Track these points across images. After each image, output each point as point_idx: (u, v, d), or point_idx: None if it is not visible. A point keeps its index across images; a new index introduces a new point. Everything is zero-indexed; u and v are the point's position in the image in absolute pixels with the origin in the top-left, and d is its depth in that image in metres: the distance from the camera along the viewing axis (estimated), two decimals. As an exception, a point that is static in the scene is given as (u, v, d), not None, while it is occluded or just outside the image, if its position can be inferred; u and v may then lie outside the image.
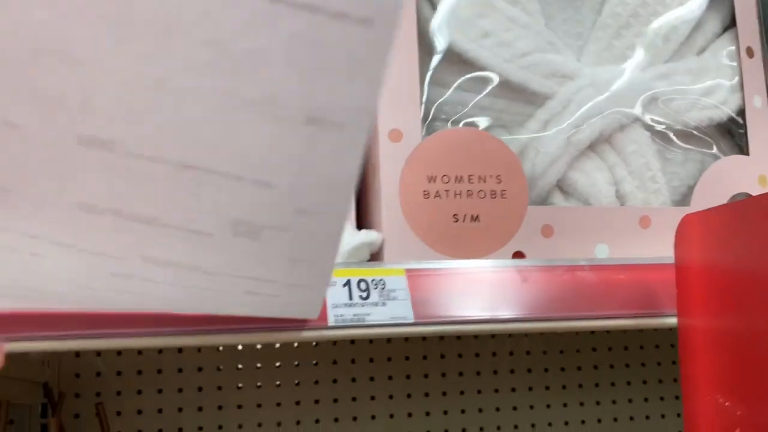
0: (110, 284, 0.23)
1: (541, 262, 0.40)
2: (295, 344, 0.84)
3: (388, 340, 0.87)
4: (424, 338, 0.88)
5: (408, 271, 0.38)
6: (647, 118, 0.45)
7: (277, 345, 0.85)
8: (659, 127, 0.46)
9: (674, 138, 0.46)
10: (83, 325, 0.35)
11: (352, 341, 0.86)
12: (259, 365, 0.84)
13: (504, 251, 0.41)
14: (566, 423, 0.90)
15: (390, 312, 0.37)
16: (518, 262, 0.40)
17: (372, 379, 0.86)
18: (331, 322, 0.36)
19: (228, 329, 0.35)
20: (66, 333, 0.34)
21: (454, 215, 0.40)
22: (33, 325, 0.34)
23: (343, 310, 0.36)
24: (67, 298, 0.26)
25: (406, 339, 0.87)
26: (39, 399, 0.78)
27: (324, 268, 0.23)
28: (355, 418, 0.85)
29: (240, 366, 0.83)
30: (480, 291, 0.38)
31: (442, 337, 0.89)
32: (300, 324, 0.36)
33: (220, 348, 0.83)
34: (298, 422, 0.83)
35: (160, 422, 0.80)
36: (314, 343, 0.85)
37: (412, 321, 0.37)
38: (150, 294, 0.24)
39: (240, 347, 0.84)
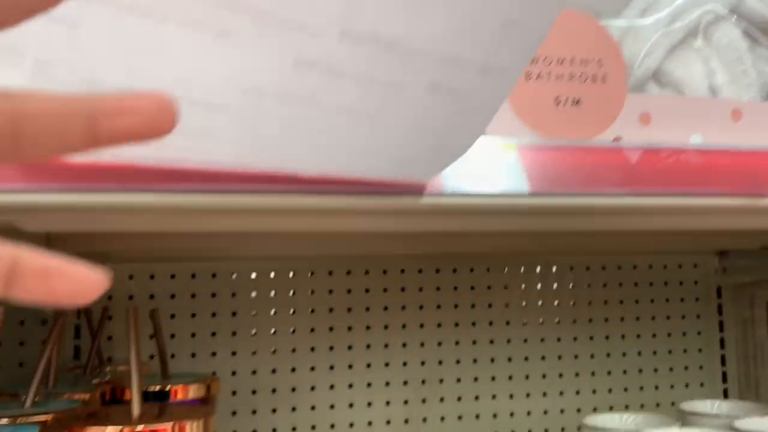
0: (284, 84, 0.22)
1: (647, 145, 0.39)
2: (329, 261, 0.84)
3: (419, 270, 0.87)
4: (454, 269, 0.88)
5: (518, 146, 0.37)
6: (740, 12, 0.44)
7: (309, 273, 0.84)
8: (751, 23, 0.45)
9: (764, 35, 0.46)
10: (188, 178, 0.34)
11: (384, 270, 0.86)
12: (312, 291, 0.83)
13: (604, 137, 0.40)
14: (592, 356, 0.91)
15: (504, 184, 0.36)
16: (624, 144, 0.40)
17: (403, 308, 0.86)
18: (447, 190, 0.35)
19: (347, 191, 0.34)
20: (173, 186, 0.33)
21: (556, 98, 0.40)
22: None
23: (459, 180, 0.36)
24: (222, 124, 0.25)
25: (437, 270, 0.87)
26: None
27: (535, 39, 0.21)
28: (386, 345, 0.85)
29: (293, 293, 0.82)
30: (590, 168, 0.38)
31: (471, 269, 0.89)
32: (418, 189, 0.35)
33: (272, 274, 0.82)
34: (331, 348, 0.83)
35: (214, 345, 0.79)
36: (347, 271, 0.85)
37: (526, 192, 0.36)
38: (315, 109, 0.23)
39: (291, 274, 0.82)
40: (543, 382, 0.89)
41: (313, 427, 0.82)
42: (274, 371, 0.81)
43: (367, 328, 0.85)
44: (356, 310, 0.85)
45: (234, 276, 0.82)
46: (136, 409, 0.39)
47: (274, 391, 0.81)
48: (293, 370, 0.82)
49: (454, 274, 0.88)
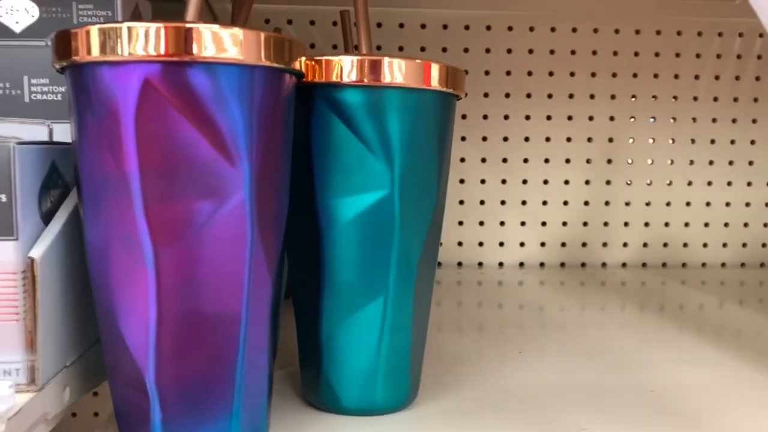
0: None
1: None
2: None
3: (637, 31, 0.73)
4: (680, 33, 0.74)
5: None
6: None
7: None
8: None
9: None
10: None
11: (617, 30, 0.73)
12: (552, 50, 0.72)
13: None
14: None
15: None
16: None
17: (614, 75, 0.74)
18: None
19: None
20: None
21: None
22: None
23: None
24: None
25: (658, 31, 0.74)
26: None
27: None
28: (570, 117, 0.74)
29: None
30: None
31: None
32: None
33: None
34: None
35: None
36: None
37: None
38: None
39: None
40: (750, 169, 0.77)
41: (524, 182, 0.75)
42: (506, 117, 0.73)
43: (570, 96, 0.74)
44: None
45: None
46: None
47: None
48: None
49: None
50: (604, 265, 0.76)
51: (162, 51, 0.23)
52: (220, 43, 0.23)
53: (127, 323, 0.24)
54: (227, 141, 0.24)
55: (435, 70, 0.30)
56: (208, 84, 0.23)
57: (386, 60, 0.29)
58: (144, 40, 0.23)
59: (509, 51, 0.73)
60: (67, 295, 0.27)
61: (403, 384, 0.31)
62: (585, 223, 0.76)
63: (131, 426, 0.26)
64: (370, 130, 0.29)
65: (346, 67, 0.29)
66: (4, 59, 0.30)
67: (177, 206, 0.23)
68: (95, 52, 0.23)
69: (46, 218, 0.26)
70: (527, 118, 0.74)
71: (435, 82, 0.30)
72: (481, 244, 0.76)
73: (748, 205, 0.77)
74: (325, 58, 0.29)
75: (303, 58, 0.27)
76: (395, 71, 0.29)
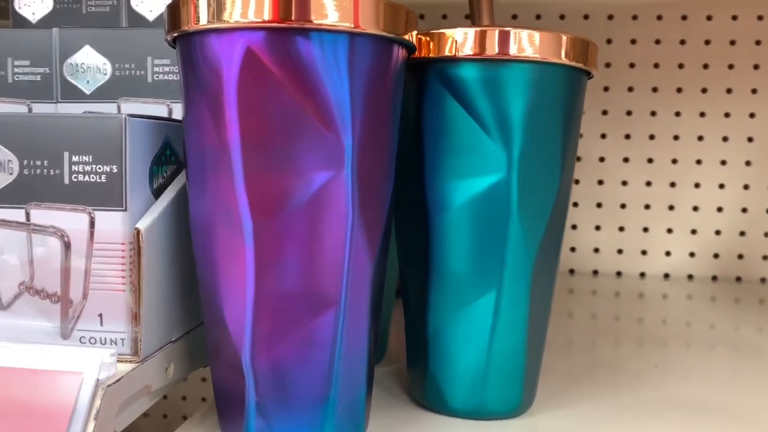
0: None
1: None
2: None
3: (760, 16, 0.65)
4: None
5: None
6: None
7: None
8: None
9: None
10: None
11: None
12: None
13: None
14: None
15: None
16: None
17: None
18: None
19: None
20: None
21: None
22: None
23: None
24: None
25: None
26: None
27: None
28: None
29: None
30: None
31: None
32: None
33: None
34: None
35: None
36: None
37: None
38: None
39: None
40: None
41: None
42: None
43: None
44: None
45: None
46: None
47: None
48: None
49: None
50: (763, 280, 0.68)
51: (267, 17, 0.22)
52: (328, 8, 0.22)
53: (226, 301, 0.24)
54: (330, 112, 0.23)
55: (563, 41, 0.27)
56: (314, 52, 0.22)
57: (506, 31, 0.26)
58: (249, 6, 0.22)
59: (657, 42, 0.67)
60: (173, 270, 0.27)
61: (515, 389, 0.28)
62: (742, 233, 0.68)
63: (228, 408, 0.25)
64: (487, 109, 0.27)
65: (460, 40, 0.27)
66: (131, 42, 0.32)
67: (277, 179, 0.23)
68: (203, 20, 0.23)
69: (157, 194, 0.27)
70: (677, 114, 0.68)
71: (563, 56, 0.27)
72: (620, 251, 0.70)
73: None
74: (438, 30, 0.27)
75: (415, 32, 0.25)
76: (517, 43, 0.26)
